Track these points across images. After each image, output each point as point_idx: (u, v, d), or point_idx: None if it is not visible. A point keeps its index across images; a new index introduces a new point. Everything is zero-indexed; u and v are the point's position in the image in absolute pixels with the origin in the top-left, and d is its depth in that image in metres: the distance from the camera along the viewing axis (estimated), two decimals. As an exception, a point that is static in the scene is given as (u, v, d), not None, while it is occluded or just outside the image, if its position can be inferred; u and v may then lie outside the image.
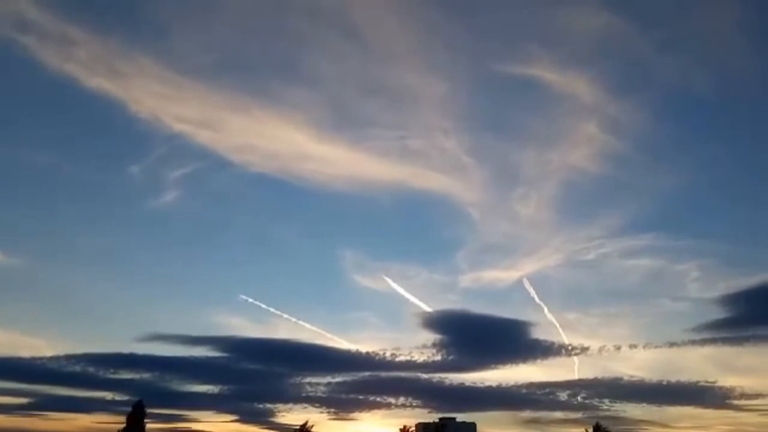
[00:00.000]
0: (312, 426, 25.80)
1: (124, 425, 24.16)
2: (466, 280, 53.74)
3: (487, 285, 53.71)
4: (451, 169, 56.93)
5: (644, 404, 43.52)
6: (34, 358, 42.00)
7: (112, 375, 41.85)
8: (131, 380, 41.72)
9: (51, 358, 42.18)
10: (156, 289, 56.10)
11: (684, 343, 43.61)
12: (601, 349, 44.75)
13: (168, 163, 55.13)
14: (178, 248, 58.31)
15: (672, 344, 44.04)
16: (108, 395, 40.23)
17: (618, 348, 44.87)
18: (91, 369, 41.57)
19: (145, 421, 24.57)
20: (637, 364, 47.21)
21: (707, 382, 43.75)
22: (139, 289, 55.02)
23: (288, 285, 59.21)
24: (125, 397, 34.78)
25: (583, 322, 52.05)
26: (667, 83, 56.03)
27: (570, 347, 44.41)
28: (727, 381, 44.13)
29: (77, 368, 41.44)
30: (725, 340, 43.17)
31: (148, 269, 57.21)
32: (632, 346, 45.15)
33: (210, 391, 43.34)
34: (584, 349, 44.33)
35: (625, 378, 44.50)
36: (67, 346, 48.93)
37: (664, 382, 44.00)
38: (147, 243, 57.55)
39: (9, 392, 39.26)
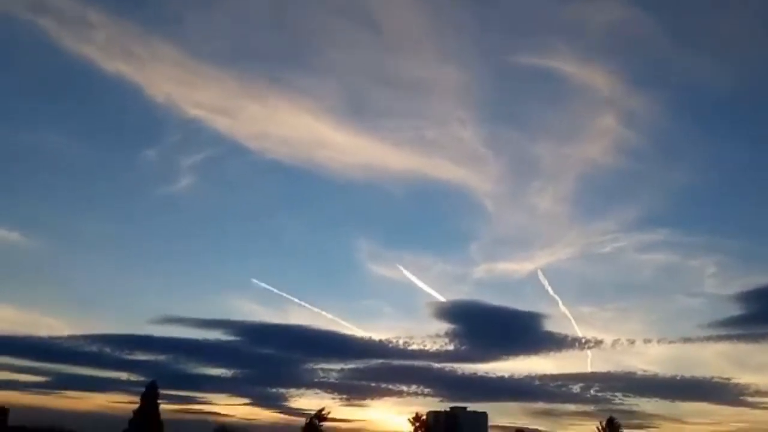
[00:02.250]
0: (329, 413, 26.34)
1: (138, 405, 24.87)
2: (480, 271, 56.58)
3: (501, 276, 56.83)
4: (467, 160, 59.25)
5: (657, 399, 45.60)
6: (52, 338, 45.02)
7: (127, 356, 44.92)
8: (146, 361, 44.65)
9: (69, 338, 45.38)
10: (172, 272, 60.02)
11: (699, 339, 45.78)
12: (614, 343, 46.71)
13: (183, 148, 58.28)
14: (193, 233, 61.66)
15: (686, 340, 46.24)
16: (123, 375, 42.99)
17: (632, 342, 46.67)
18: (107, 349, 44.76)
19: (159, 401, 25.29)
20: (651, 358, 49.25)
21: (721, 378, 45.60)
22: (155, 272, 59.20)
23: (302, 272, 62.59)
24: (140, 378, 35.98)
25: (597, 315, 54.25)
26: (685, 78, 57.85)
27: (583, 340, 46.37)
28: (741, 378, 45.69)
29: (94, 348, 44.61)
30: (740, 337, 45.23)
31: (163, 253, 60.99)
32: (646, 341, 47.05)
33: (224, 374, 46.22)
34: (598, 343, 46.16)
35: (639, 372, 46.37)
36: (85, 327, 53.04)
37: (678, 378, 45.80)
38: (163, 227, 60.66)
39: (27, 370, 41.99)
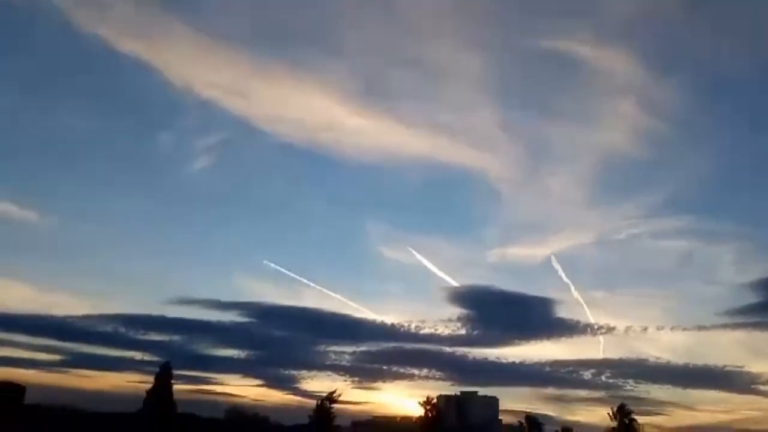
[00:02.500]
0: (339, 395, 27.29)
1: (152, 384, 25.56)
2: (494, 255, 57.51)
3: (515, 261, 57.71)
4: (482, 144, 59.69)
5: (669, 386, 45.94)
6: (66, 317, 45.61)
7: (142, 336, 45.73)
8: (160, 342, 45.41)
9: (84, 317, 46.07)
10: (185, 253, 60.85)
11: (713, 327, 46.41)
12: (627, 330, 47.16)
13: (198, 130, 58.91)
14: (207, 215, 62.50)
15: (701, 327, 46.94)
16: (137, 355, 43.65)
17: (645, 329, 47.15)
18: (122, 329, 45.41)
19: (173, 382, 26.00)
20: (664, 346, 50.45)
21: (735, 366, 46.07)
22: (169, 253, 60.27)
23: (314, 255, 63.75)
24: (154, 358, 36.78)
25: (610, 301, 55.27)
26: (708, 63, 57.85)
27: (596, 326, 46.72)
28: (755, 366, 47.00)
29: (108, 328, 45.33)
30: (756, 325, 45.48)
31: (177, 234, 61.96)
32: (659, 328, 47.69)
33: (236, 356, 46.80)
34: (610, 329, 46.57)
35: (651, 359, 46.68)
36: (100, 307, 54.69)
37: (691, 365, 46.28)
38: (178, 209, 61.13)
39: (42, 348, 42.90)
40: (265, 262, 51.84)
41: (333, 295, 49.84)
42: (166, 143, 58.38)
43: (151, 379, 26.08)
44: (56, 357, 42.94)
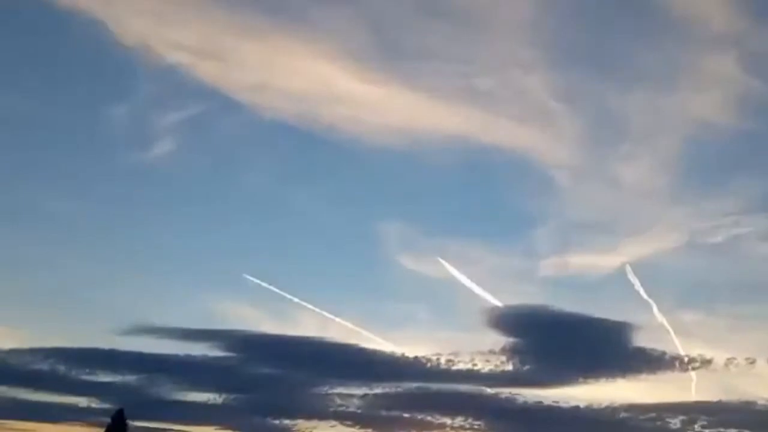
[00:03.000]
0: None
1: None
2: (549, 266, 47.53)
3: (577, 273, 47.69)
4: (533, 118, 49.02)
5: None
6: None
7: (87, 376, 40.25)
8: (111, 383, 40.25)
9: (10, 353, 40.81)
10: (144, 267, 49.42)
11: None
12: (728, 363, 40.30)
13: (160, 104, 49.64)
14: (172, 215, 51.86)
15: None
16: (82, 401, 38.95)
17: (752, 362, 40.22)
18: (61, 367, 40.18)
19: None
20: None
21: None
22: (122, 267, 48.84)
23: (313, 267, 52.20)
24: (103, 405, 35.34)
25: (705, 325, 45.81)
26: None
27: (686, 359, 40.10)
28: None
29: (43, 366, 40.15)
30: None
31: (134, 241, 50.69)
32: None
33: (211, 401, 41.37)
34: (705, 362, 39.98)
35: (760, 402, 40.14)
36: (31, 339, 46.37)
37: None
38: (132, 207, 50.38)
39: None
40: (246, 276, 44.70)
41: (337, 320, 42.21)
42: (117, 122, 49.31)
43: (100, 432, 20.89)
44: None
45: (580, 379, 41.04)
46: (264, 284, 43.04)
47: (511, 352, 41.30)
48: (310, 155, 52.76)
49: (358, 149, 50.20)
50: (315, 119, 48.37)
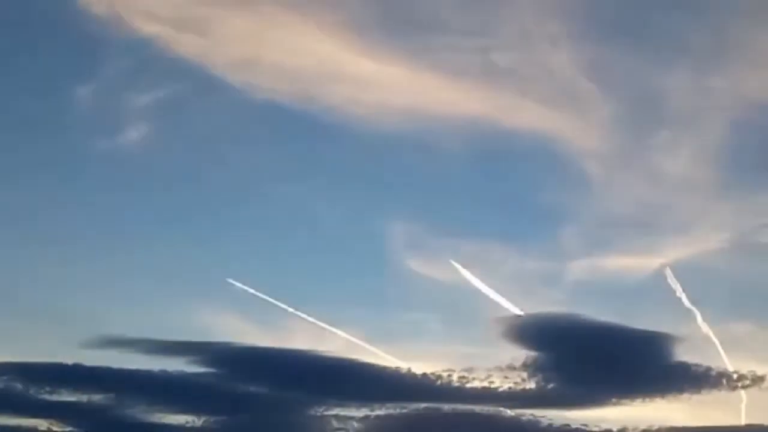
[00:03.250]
0: None
1: None
2: (578, 269, 42.42)
3: (609, 277, 42.69)
4: (560, 100, 44.54)
5: None
6: None
7: (47, 395, 36.06)
8: (75, 403, 36.22)
9: None
10: (113, 270, 43.18)
11: None
12: None
13: (131, 83, 41.89)
14: (145, 210, 48.57)
15: None
16: (42, 424, 35.05)
17: None
18: (17, 385, 35.66)
19: None
20: None
21: None
22: (87, 270, 42.81)
23: (308, 271, 47.47)
24: (66, 428, 33.68)
25: (756, 337, 42.11)
26: None
27: (735, 376, 35.63)
28: None
29: None
30: None
31: (101, 240, 46.45)
32: None
33: (189, 424, 36.98)
34: (757, 380, 35.04)
35: None
36: None
37: None
38: (99, 201, 42.73)
39: None
40: (231, 281, 40.85)
41: (335, 331, 38.02)
42: (82, 104, 44.66)
43: (62, 460, 15.28)
44: None
45: (613, 400, 37.07)
46: (251, 290, 37.05)
47: (533, 367, 37.38)
48: (305, 142, 46.82)
49: (360, 135, 44.82)
50: (311, 101, 43.07)
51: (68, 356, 37.92)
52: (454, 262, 39.63)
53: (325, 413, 38.20)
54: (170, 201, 45.02)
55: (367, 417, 37.57)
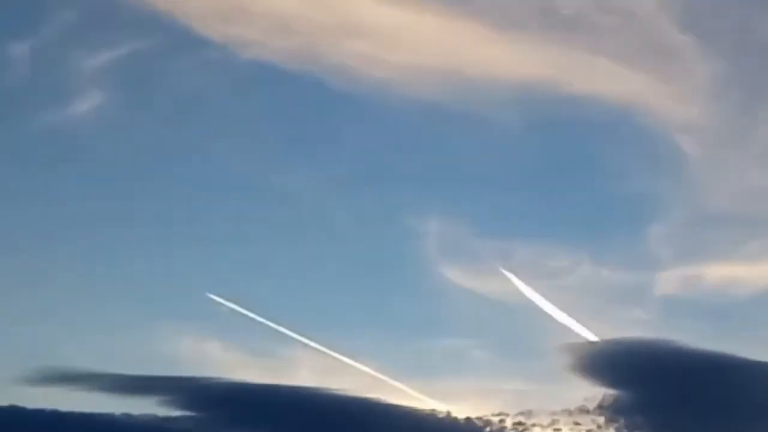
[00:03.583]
0: None
1: None
2: (670, 280, 36.02)
3: (711, 292, 36.12)
4: (646, 58, 37.68)
5: None
6: None
7: None
8: None
9: None
10: (61, 284, 36.64)
11: None
12: None
13: (81, 40, 36.48)
14: (100, 204, 38.60)
15: None
16: None
17: None
18: None
19: None
20: None
21: None
22: (29, 283, 35.77)
23: (315, 286, 42.46)
24: None
25: None
26: None
27: None
28: None
29: None
30: None
31: (43, 244, 37.18)
32: None
33: None
34: None
35: None
36: None
37: None
38: (40, 191, 37.15)
39: None
40: (213, 297, 35.32)
41: (353, 364, 32.86)
42: (23, 65, 36.78)
43: None
44: None
45: (720, 452, 32.49)
46: (240, 309, 31.39)
47: (612, 409, 31.03)
48: (307, 114, 40.09)
49: (380, 106, 38.01)
50: (316, 60, 35.37)
51: (4, 395, 31.35)
52: (505, 271, 33.64)
53: (341, 469, 30.71)
54: (132, 193, 37.85)
55: (394, 476, 30.16)
